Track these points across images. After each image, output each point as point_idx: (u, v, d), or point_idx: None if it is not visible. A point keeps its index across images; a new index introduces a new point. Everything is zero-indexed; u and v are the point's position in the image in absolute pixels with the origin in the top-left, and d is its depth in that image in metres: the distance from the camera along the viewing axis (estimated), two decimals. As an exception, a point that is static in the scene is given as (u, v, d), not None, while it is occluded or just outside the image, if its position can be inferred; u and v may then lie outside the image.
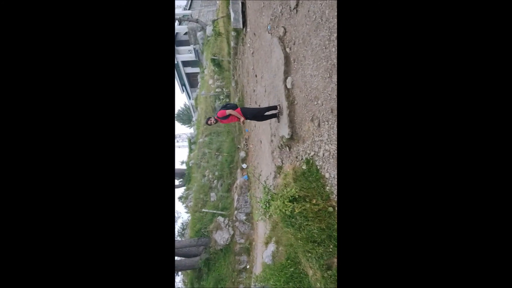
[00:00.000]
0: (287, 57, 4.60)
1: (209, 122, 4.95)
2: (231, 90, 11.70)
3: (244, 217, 9.66)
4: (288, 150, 5.12)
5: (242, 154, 10.29)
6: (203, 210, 10.97)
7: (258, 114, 5.11)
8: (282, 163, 5.56)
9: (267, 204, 3.88)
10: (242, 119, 4.87)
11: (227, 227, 10.06)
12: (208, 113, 14.37)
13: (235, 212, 9.89)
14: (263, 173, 7.17)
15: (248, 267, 9.00)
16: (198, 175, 14.63)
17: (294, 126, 4.56)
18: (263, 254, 5.15)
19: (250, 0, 7.52)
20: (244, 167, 10.14)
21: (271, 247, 4.87)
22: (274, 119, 5.34)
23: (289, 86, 4.55)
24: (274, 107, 5.10)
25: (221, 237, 9.95)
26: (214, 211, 10.78)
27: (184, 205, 16.68)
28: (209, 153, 13.99)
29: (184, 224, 16.61)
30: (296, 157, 4.73)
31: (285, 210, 3.43)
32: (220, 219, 10.35)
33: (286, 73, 4.63)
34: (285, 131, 4.76)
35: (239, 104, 9.75)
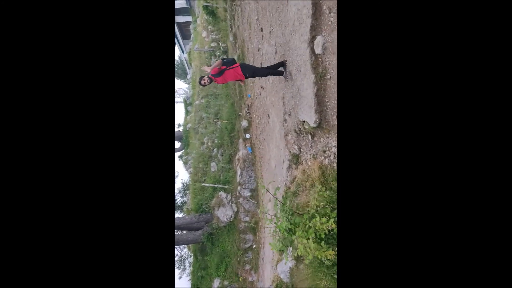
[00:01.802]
0: (317, 5, 2.98)
1: (202, 82, 4.00)
2: (229, 45, 9.81)
3: (249, 194, 8.74)
4: (310, 138, 3.80)
5: (244, 123, 8.94)
6: (204, 184, 10.02)
7: (260, 72, 4.27)
8: (300, 151, 4.28)
9: (289, 232, 2.71)
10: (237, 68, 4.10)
11: (230, 203, 9.20)
12: (203, 71, 12.46)
13: (239, 187, 8.93)
14: (272, 155, 5.93)
15: (254, 246, 8.36)
16: (196, 142, 13.48)
17: (324, 111, 3.17)
18: (278, 267, 4.19)
19: None
20: (248, 137, 8.91)
21: (289, 262, 3.86)
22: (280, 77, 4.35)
23: (318, 50, 3.03)
24: (281, 63, 4.14)
25: (224, 214, 9.16)
26: (215, 185, 9.83)
27: (184, 165, 16.16)
28: (206, 117, 12.59)
29: (185, 184, 16.09)
30: (324, 152, 3.44)
31: (322, 257, 2.26)
32: (222, 194, 9.44)
33: (314, 29, 3.07)
34: (309, 117, 3.38)
35: (239, 61, 8.08)
